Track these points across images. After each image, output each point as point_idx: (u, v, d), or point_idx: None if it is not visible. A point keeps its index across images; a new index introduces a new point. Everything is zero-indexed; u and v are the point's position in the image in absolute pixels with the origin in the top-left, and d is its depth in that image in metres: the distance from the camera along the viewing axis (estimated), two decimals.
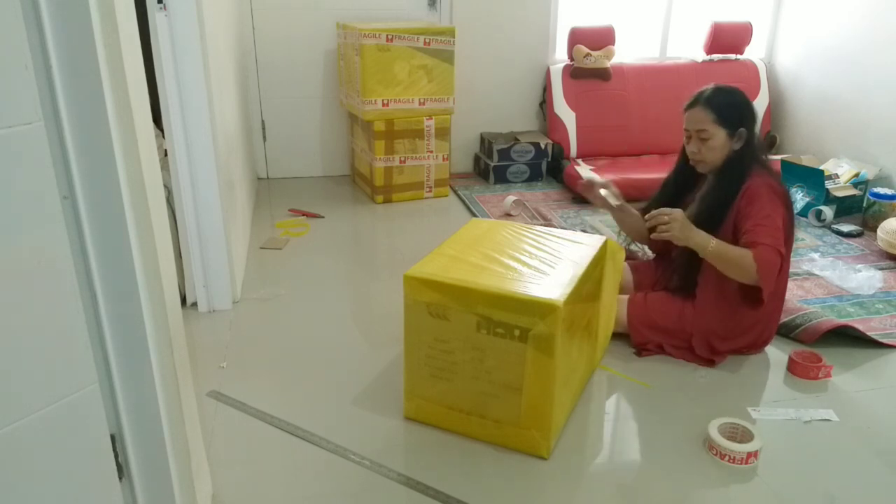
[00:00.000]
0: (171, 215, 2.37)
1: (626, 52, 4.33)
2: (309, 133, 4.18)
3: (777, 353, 2.22)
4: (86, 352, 1.05)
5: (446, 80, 3.67)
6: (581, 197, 3.73)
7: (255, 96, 4.01)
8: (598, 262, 1.93)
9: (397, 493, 1.62)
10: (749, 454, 1.70)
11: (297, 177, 4.22)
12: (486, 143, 4.21)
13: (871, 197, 3.37)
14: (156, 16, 2.11)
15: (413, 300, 1.75)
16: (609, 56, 4.19)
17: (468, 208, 3.68)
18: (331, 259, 3.02)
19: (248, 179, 3.48)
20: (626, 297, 2.24)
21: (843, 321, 2.32)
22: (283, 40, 3.93)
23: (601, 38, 4.16)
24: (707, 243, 1.95)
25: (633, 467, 1.72)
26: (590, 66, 4.16)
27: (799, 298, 2.60)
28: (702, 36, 4.40)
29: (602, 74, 4.19)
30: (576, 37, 4.15)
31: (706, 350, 2.14)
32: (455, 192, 3.96)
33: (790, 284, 2.69)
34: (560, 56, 4.31)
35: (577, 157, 4.19)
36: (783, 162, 3.76)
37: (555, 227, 3.18)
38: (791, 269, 2.82)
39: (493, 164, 4.09)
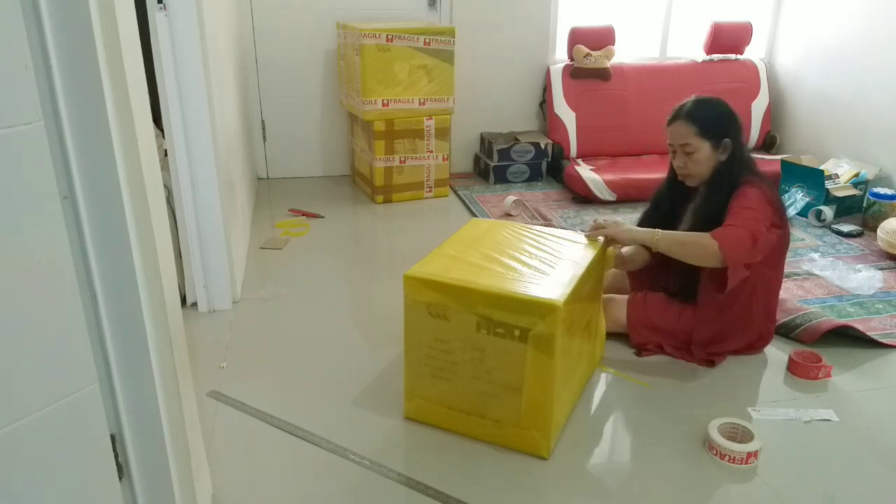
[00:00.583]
0: (171, 215, 2.37)
1: (626, 52, 4.33)
2: (309, 133, 4.18)
3: (777, 353, 2.22)
4: (86, 352, 1.05)
5: (446, 80, 3.67)
6: (581, 196, 3.74)
7: (255, 96, 4.01)
8: (598, 262, 1.93)
9: (397, 493, 1.62)
10: (749, 454, 1.70)
11: (297, 177, 4.22)
12: (486, 143, 4.21)
13: (871, 197, 3.37)
14: (156, 16, 2.11)
15: (413, 300, 1.75)
16: (609, 56, 4.19)
17: (468, 208, 3.68)
18: (331, 259, 3.02)
19: (248, 179, 3.48)
20: (625, 297, 2.25)
21: (843, 321, 2.32)
22: (283, 40, 3.93)
23: (601, 38, 4.17)
24: (653, 235, 1.98)
25: (633, 467, 1.72)
26: (590, 66, 4.16)
27: (799, 298, 2.60)
28: (702, 36, 4.40)
29: (602, 74, 4.19)
30: (576, 37, 4.15)
31: (706, 354, 2.14)
32: (455, 192, 3.96)
33: (790, 284, 2.70)
34: (560, 56, 4.31)
35: (577, 157, 4.20)
36: (783, 162, 3.76)
37: (555, 227, 3.18)
38: (791, 269, 2.84)
39: (493, 164, 4.09)
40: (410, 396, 1.85)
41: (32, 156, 0.93)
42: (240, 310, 2.51)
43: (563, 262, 1.82)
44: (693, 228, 2.08)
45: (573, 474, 1.69)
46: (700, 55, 4.42)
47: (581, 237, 2.03)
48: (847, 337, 2.28)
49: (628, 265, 2.26)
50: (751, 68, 4.39)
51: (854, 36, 3.83)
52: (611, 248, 2.07)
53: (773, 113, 4.47)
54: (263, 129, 4.10)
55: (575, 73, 4.18)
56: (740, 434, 1.76)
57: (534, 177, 4.16)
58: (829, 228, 3.37)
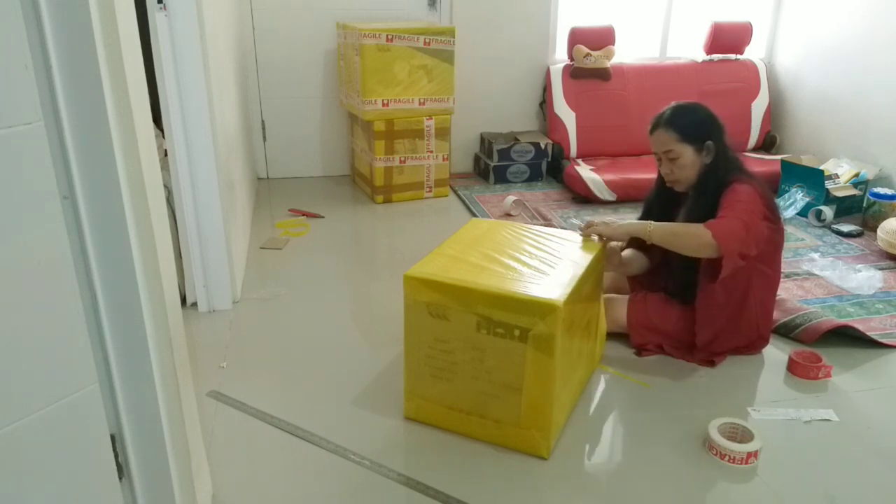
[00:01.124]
0: (171, 215, 2.37)
1: (626, 52, 4.33)
2: (309, 133, 4.18)
3: (777, 353, 2.22)
4: (86, 352, 1.05)
5: (446, 80, 3.67)
6: (581, 196, 3.74)
7: (255, 96, 4.01)
8: (598, 262, 1.93)
9: (397, 493, 1.62)
10: (749, 454, 1.70)
11: (297, 177, 4.22)
12: (486, 143, 4.21)
13: (871, 197, 3.37)
14: (156, 16, 2.11)
15: (413, 300, 1.75)
16: (609, 56, 4.19)
17: (468, 208, 3.68)
18: (331, 259, 3.02)
19: (248, 179, 3.48)
20: (625, 297, 2.25)
21: (843, 321, 2.32)
22: (283, 40, 3.93)
23: (601, 38, 4.16)
24: (646, 226, 1.98)
25: (633, 467, 1.72)
26: (590, 66, 4.16)
27: (799, 298, 2.60)
28: (702, 36, 4.40)
29: (602, 74, 4.19)
30: (576, 37, 4.15)
31: (706, 353, 2.14)
32: (455, 192, 3.96)
33: (790, 284, 2.70)
34: (560, 56, 4.31)
35: (577, 157, 4.20)
36: (783, 162, 3.76)
37: (555, 227, 3.18)
38: (791, 269, 2.84)
39: (493, 164, 4.09)
40: (410, 396, 1.85)
41: (32, 156, 0.93)
42: (240, 310, 2.51)
43: (563, 262, 1.82)
44: None
45: (573, 474, 1.69)
46: (700, 55, 4.42)
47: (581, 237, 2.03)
48: (847, 337, 2.28)
49: (626, 269, 2.27)
50: (751, 68, 4.39)
51: (854, 36, 3.83)
52: (609, 246, 2.07)
53: (773, 113, 4.47)
54: (263, 129, 4.10)
55: (575, 73, 4.18)
56: (740, 434, 1.76)
57: (534, 177, 4.16)
58: (829, 228, 3.37)
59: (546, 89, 4.27)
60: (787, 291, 2.59)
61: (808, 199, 3.54)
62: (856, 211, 3.51)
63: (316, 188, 4.04)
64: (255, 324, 2.42)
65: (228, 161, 2.62)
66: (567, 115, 4.19)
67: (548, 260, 1.83)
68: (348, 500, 1.59)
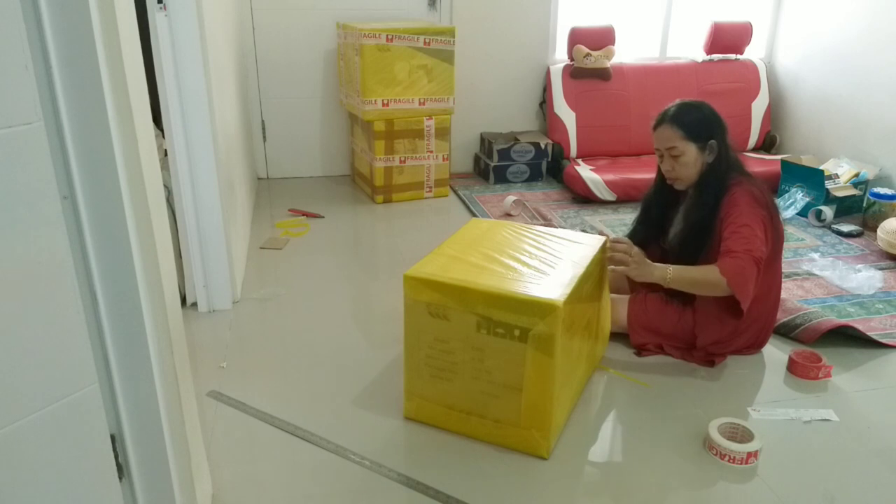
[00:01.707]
0: (171, 215, 2.37)
1: (626, 52, 4.33)
2: (309, 133, 4.18)
3: (777, 353, 2.22)
4: (86, 352, 1.05)
5: (446, 80, 3.67)
6: (581, 196, 3.74)
7: (255, 96, 4.01)
8: (598, 262, 1.93)
9: (397, 493, 1.62)
10: (749, 454, 1.70)
11: (297, 177, 4.22)
12: (486, 143, 4.21)
13: (871, 197, 3.37)
14: (156, 16, 2.11)
15: (413, 300, 1.75)
16: (609, 56, 4.19)
17: (468, 208, 3.68)
18: (331, 259, 3.02)
19: (248, 179, 3.48)
20: (625, 297, 2.25)
21: (843, 321, 2.32)
22: (283, 40, 3.93)
23: (601, 38, 4.16)
24: (665, 273, 1.97)
25: (633, 467, 1.72)
26: (590, 66, 4.16)
27: (799, 298, 2.60)
28: (702, 36, 4.40)
29: (602, 74, 4.19)
30: (576, 37, 4.15)
31: (706, 355, 2.14)
32: (455, 192, 3.96)
33: (790, 284, 2.70)
34: (560, 56, 4.31)
35: (577, 157, 4.20)
36: (783, 162, 3.76)
37: (555, 227, 3.18)
38: (791, 269, 2.84)
39: (493, 164, 4.09)
40: (410, 396, 1.85)
41: (32, 156, 0.93)
42: (240, 310, 2.51)
43: (563, 262, 1.82)
44: (684, 232, 2.09)
45: (573, 474, 1.69)
46: (700, 55, 4.42)
47: (581, 237, 2.03)
48: (847, 337, 2.28)
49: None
50: (751, 68, 4.39)
51: (854, 36, 3.83)
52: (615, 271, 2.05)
53: (773, 113, 4.47)
54: (263, 129, 4.10)
55: (575, 73, 4.18)
56: (740, 434, 1.76)
57: (534, 177, 4.16)
58: (829, 228, 3.37)
59: (546, 89, 4.27)
60: (787, 291, 2.59)
61: (808, 199, 3.54)
62: (856, 211, 3.51)
63: (316, 188, 4.04)
64: (255, 324, 2.42)
65: (228, 161, 2.62)
66: (567, 115, 4.19)
67: (548, 260, 1.83)
68: (348, 500, 1.59)
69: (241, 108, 3.37)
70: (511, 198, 3.61)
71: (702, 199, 2.05)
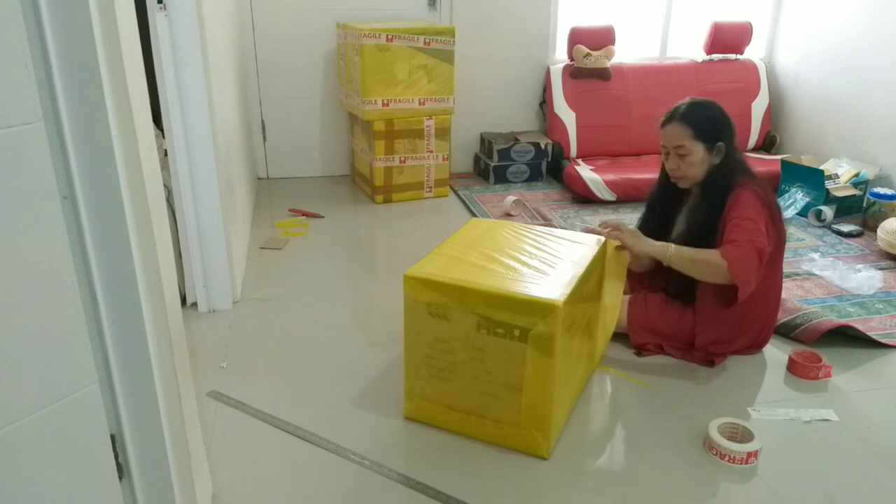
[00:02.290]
0: (171, 215, 2.37)
1: (626, 52, 4.33)
2: (309, 133, 4.18)
3: (777, 353, 2.22)
4: (86, 352, 1.05)
5: (446, 80, 3.67)
6: (581, 196, 3.74)
7: (255, 96, 4.01)
8: (598, 262, 1.93)
9: (397, 493, 1.62)
10: (749, 454, 1.70)
11: (297, 177, 4.22)
12: (486, 143, 4.21)
13: (871, 197, 3.37)
14: (156, 16, 2.11)
15: (413, 300, 1.75)
16: (609, 56, 4.19)
17: (468, 208, 3.68)
18: (331, 259, 3.02)
19: (248, 179, 3.48)
20: (626, 297, 2.24)
21: (843, 321, 2.32)
22: (283, 40, 3.93)
23: (601, 38, 4.17)
24: (666, 250, 1.97)
25: (633, 467, 1.72)
26: (590, 66, 4.16)
27: (799, 298, 2.60)
28: (702, 36, 4.40)
29: (602, 74, 4.19)
30: (576, 37, 4.15)
31: (706, 356, 2.14)
32: (455, 192, 3.95)
33: (790, 284, 2.70)
34: (560, 56, 4.31)
35: (577, 157, 4.20)
36: (783, 162, 3.76)
37: (555, 227, 3.17)
38: (791, 269, 2.84)
39: (493, 164, 4.09)
40: (410, 396, 1.85)
41: (32, 156, 0.93)
42: (240, 310, 2.51)
43: (563, 262, 1.82)
44: (688, 232, 2.08)
45: (573, 474, 1.69)
46: (700, 55, 4.42)
47: (581, 237, 2.03)
48: (847, 337, 2.28)
49: (636, 264, 2.26)
50: (751, 68, 4.39)
51: (854, 36, 3.83)
52: (624, 252, 2.06)
53: (773, 113, 4.47)
54: (263, 129, 4.10)
55: (575, 73, 4.18)
56: (740, 434, 1.76)
57: (534, 177, 4.16)
58: (829, 228, 3.37)
59: (546, 89, 4.27)
60: (787, 291, 2.59)
61: (808, 199, 3.54)
62: (856, 211, 3.51)
63: (316, 188, 4.04)
64: (255, 324, 2.42)
65: (228, 161, 2.62)
66: (567, 115, 4.19)
67: (548, 260, 1.83)
68: (348, 500, 1.59)
69: (241, 108, 3.37)
70: (511, 198, 3.61)
71: (707, 200, 2.05)
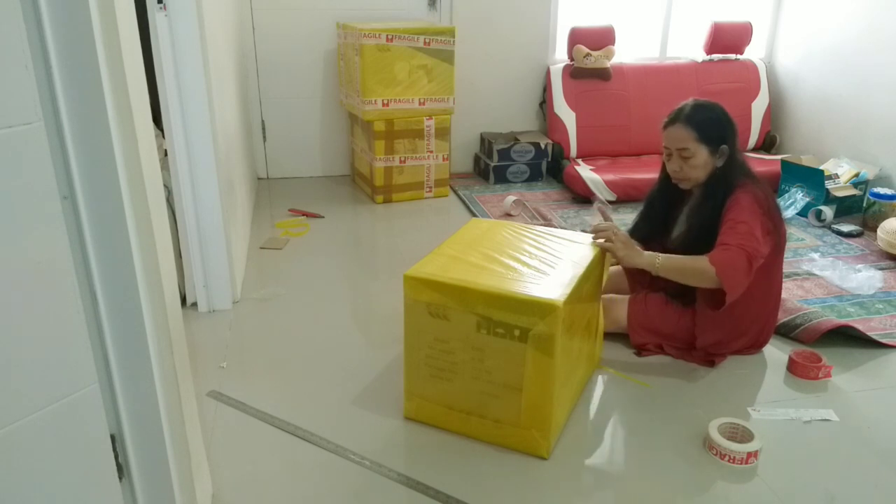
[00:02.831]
0: (171, 215, 2.37)
1: (626, 52, 4.33)
2: (309, 133, 4.18)
3: (777, 353, 2.22)
4: (86, 352, 1.05)
5: (446, 80, 3.67)
6: (581, 196, 3.74)
7: (255, 96, 4.01)
8: (598, 262, 1.93)
9: (397, 493, 1.62)
10: (749, 454, 1.70)
11: (297, 177, 4.22)
12: (486, 143, 4.21)
13: (871, 197, 3.37)
14: (156, 16, 2.11)
15: (413, 300, 1.75)
16: (609, 56, 4.19)
17: (468, 208, 3.68)
18: (331, 259, 3.02)
19: (248, 179, 3.48)
20: (625, 297, 2.24)
21: (843, 321, 2.32)
22: (283, 40, 3.93)
23: (601, 38, 4.17)
24: (653, 260, 1.97)
25: (633, 467, 1.72)
26: (590, 66, 4.16)
27: (799, 298, 2.60)
28: (702, 36, 4.40)
29: (602, 74, 4.19)
30: (576, 37, 4.15)
31: (706, 356, 2.14)
32: (455, 192, 3.95)
33: (790, 284, 2.70)
34: (560, 56, 4.31)
35: (577, 157, 4.20)
36: (783, 162, 3.76)
37: (555, 227, 3.18)
38: (791, 269, 2.84)
39: (493, 164, 4.09)
40: (410, 396, 1.85)
41: (32, 156, 0.93)
42: (240, 310, 2.51)
43: (563, 262, 1.82)
44: (688, 232, 2.08)
45: (573, 474, 1.69)
46: (700, 55, 4.42)
47: (581, 237, 2.03)
48: (847, 337, 2.28)
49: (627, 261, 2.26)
50: (751, 68, 4.39)
51: (854, 36, 3.83)
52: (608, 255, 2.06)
53: (773, 113, 4.47)
54: (263, 129, 4.10)
55: (575, 73, 4.18)
56: (740, 434, 1.76)
57: (534, 177, 4.16)
58: (829, 228, 3.37)
59: (546, 89, 4.27)
60: (787, 291, 2.59)
61: (808, 199, 3.54)
62: (856, 211, 3.51)
63: (316, 188, 4.04)
64: (255, 324, 2.42)
65: (228, 161, 2.62)
66: (567, 115, 4.19)
67: (548, 260, 1.83)
68: (348, 500, 1.59)
69: (241, 108, 3.37)
70: (511, 198, 3.61)
71: (707, 202, 2.05)
